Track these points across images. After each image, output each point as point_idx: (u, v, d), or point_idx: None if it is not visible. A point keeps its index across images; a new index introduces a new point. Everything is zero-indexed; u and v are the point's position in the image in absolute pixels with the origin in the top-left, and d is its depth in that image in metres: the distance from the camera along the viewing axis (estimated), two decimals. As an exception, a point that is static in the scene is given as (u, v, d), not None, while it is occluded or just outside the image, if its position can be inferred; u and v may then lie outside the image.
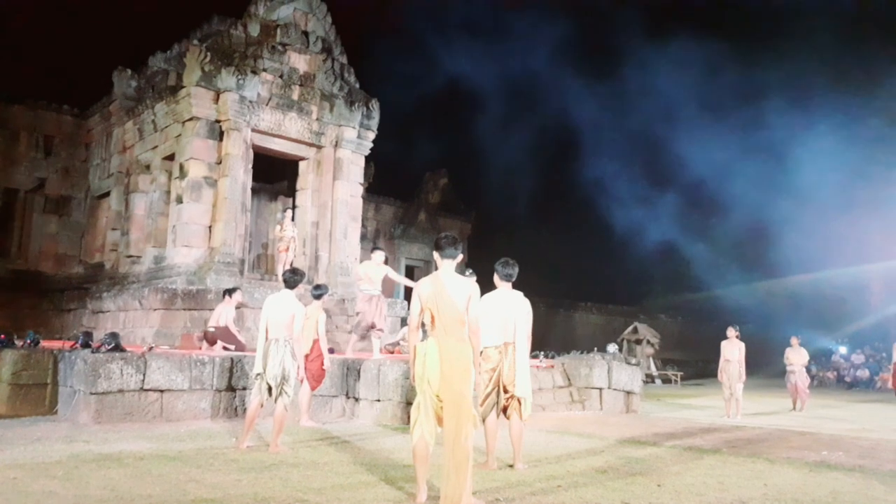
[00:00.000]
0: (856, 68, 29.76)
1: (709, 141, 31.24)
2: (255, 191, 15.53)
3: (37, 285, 17.48)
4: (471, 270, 9.91)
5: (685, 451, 7.11)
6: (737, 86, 34.34)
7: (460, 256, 4.80)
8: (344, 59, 16.03)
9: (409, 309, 5.17)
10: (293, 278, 6.80)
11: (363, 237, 18.59)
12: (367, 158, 16.28)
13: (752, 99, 32.48)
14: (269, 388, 6.47)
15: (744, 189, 31.81)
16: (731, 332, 12.21)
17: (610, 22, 41.63)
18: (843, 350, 27.98)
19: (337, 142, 15.42)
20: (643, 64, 34.71)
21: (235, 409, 8.50)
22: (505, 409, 5.84)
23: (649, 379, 21.38)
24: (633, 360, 13.23)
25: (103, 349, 8.16)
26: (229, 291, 10.89)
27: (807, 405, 13.68)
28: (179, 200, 13.91)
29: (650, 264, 35.48)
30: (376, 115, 15.89)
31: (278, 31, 14.85)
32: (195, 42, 14.68)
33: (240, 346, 10.34)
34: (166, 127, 14.83)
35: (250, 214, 14.90)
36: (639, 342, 23.86)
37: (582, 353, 13.35)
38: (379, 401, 8.81)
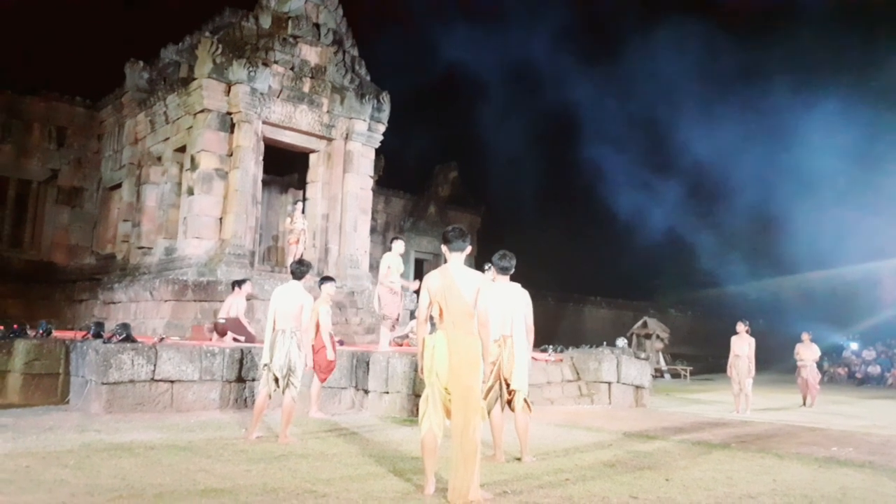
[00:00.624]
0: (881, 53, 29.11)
1: (720, 135, 31.08)
2: (265, 183, 15.57)
3: (49, 276, 17.62)
4: (489, 266, 9.88)
5: (694, 445, 7.09)
6: (751, 78, 34.10)
7: (469, 248, 4.80)
8: (355, 52, 16.02)
9: (417, 301, 5.17)
10: (300, 269, 6.85)
11: (373, 230, 18.63)
12: (378, 151, 16.29)
13: (766, 93, 32.23)
14: (276, 380, 6.51)
15: (755, 184, 31.65)
16: (741, 327, 12.15)
17: (621, 8, 41.28)
18: (854, 346, 27.79)
19: (347, 134, 15.43)
20: (654, 53, 34.46)
21: (245, 399, 8.55)
22: (510, 402, 5.86)
23: (658, 374, 21.33)
24: (643, 355, 13.20)
25: (115, 340, 8.21)
26: (239, 283, 10.94)
27: (817, 401, 13.62)
28: (191, 192, 13.97)
29: (660, 259, 35.38)
30: (387, 107, 15.88)
31: (290, 23, 14.85)
32: (207, 34, 14.73)
33: (250, 338, 10.40)
34: (178, 119, 14.88)
35: (261, 206, 14.95)
36: (648, 337, 23.80)
37: (591, 347, 13.33)
38: (387, 393, 8.84)
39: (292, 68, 14.67)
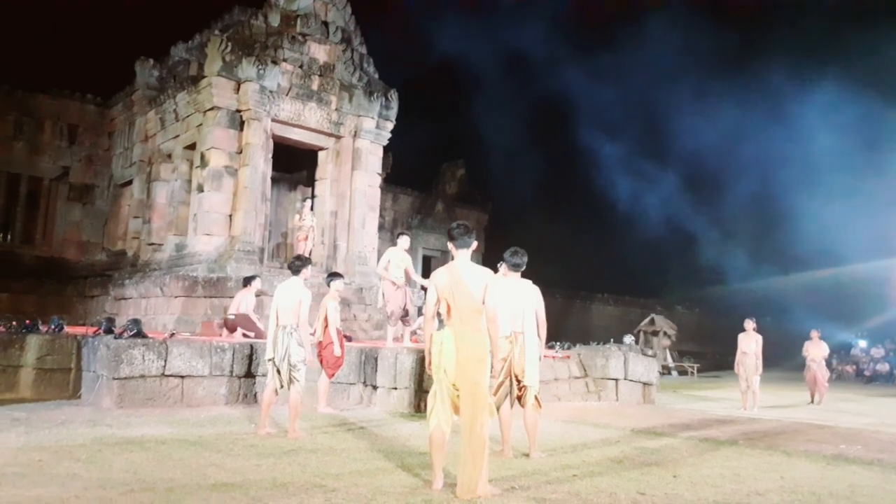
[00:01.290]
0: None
1: (724, 131, 30.96)
2: (274, 180, 15.63)
3: (61, 272, 17.75)
4: (501, 264, 9.88)
5: (701, 442, 7.10)
6: (767, 77, 33.86)
7: (475, 244, 4.81)
8: (363, 50, 16.05)
9: (425, 298, 5.20)
10: (296, 264, 6.96)
11: (381, 227, 18.65)
12: (385, 149, 16.33)
13: (778, 90, 32.04)
14: (280, 373, 6.58)
15: (762, 180, 31.51)
16: (749, 324, 12.13)
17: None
18: (862, 344, 27.69)
19: (356, 132, 15.47)
20: (665, 46, 34.34)
21: (255, 395, 8.62)
22: (520, 399, 5.88)
23: (666, 370, 21.30)
24: (650, 352, 13.19)
25: (126, 335, 8.28)
26: (249, 279, 11.01)
27: (825, 399, 13.58)
28: (200, 189, 14.05)
29: (667, 255, 35.30)
30: (395, 105, 15.91)
31: (298, 21, 14.90)
32: (216, 32, 14.80)
33: (259, 334, 10.45)
34: (188, 116, 14.96)
35: (270, 203, 15.02)
36: (655, 334, 23.78)
37: (598, 344, 13.33)
38: (395, 389, 8.88)
39: (301, 66, 14.72)
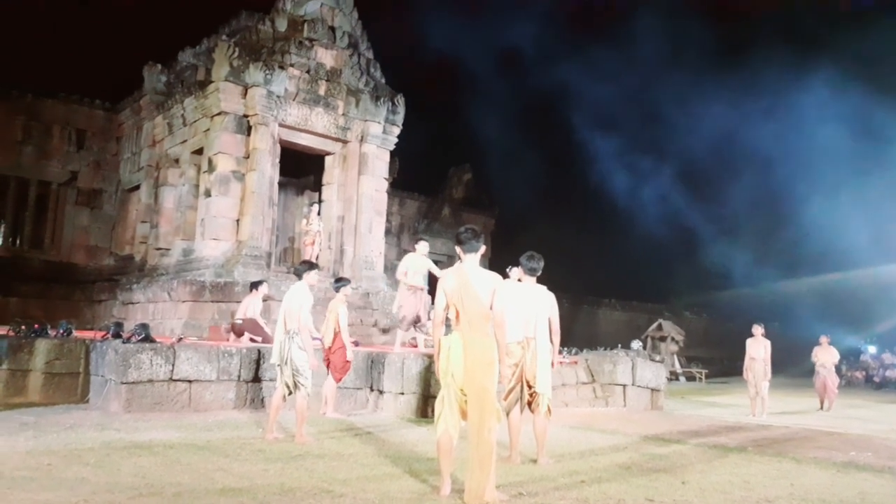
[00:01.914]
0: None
1: (736, 136, 30.86)
2: (282, 185, 15.67)
3: (69, 276, 17.82)
4: (512, 269, 9.84)
5: (710, 449, 7.07)
6: (780, 77, 33.69)
7: (483, 248, 4.80)
8: (370, 55, 16.10)
9: (433, 303, 5.19)
10: (299, 268, 7.02)
11: (387, 232, 18.69)
12: (392, 153, 16.36)
13: (792, 91, 31.86)
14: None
15: (773, 186, 31.39)
16: (757, 329, 12.08)
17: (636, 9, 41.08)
18: (872, 349, 27.56)
19: (362, 137, 15.50)
20: (674, 50, 34.30)
21: (262, 399, 8.62)
22: (529, 404, 5.85)
23: (673, 376, 21.23)
24: (658, 358, 13.13)
25: (134, 340, 8.30)
26: (256, 284, 11.02)
27: (834, 405, 13.50)
28: (208, 194, 14.09)
29: (675, 261, 35.20)
30: (401, 110, 15.94)
31: (305, 26, 14.95)
32: (224, 37, 14.85)
33: (266, 338, 10.46)
34: (195, 121, 15.02)
35: (277, 208, 15.05)
36: (663, 339, 23.69)
37: (606, 349, 13.30)
38: (403, 394, 8.88)
39: (308, 71, 14.76)
